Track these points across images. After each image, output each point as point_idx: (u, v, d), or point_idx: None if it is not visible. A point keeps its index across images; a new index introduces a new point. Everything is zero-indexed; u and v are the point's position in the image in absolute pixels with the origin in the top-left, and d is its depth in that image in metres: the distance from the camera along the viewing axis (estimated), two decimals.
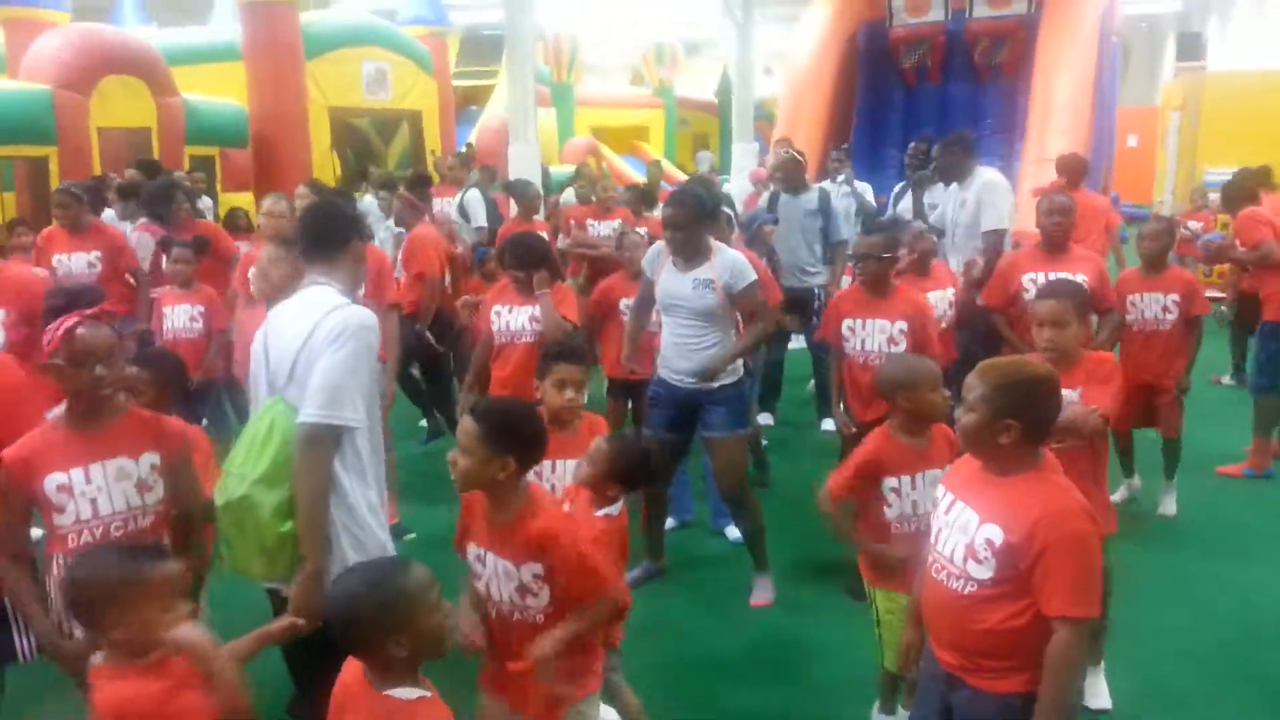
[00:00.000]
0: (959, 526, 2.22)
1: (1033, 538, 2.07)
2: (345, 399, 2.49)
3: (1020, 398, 2.17)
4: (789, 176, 6.92)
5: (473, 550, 2.50)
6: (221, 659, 2.01)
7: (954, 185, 5.82)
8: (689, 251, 4.19)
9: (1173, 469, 5.29)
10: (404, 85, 13.09)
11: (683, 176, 16.55)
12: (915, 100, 12.42)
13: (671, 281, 4.26)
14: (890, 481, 3.07)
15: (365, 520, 2.59)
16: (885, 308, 4.32)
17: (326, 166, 12.03)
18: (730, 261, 4.19)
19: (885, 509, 3.09)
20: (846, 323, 4.38)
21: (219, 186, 10.42)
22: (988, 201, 5.54)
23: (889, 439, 3.11)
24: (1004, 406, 2.15)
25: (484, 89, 18.22)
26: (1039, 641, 2.09)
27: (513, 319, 4.54)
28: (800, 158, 7.10)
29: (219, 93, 11.20)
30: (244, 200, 10.38)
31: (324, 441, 2.47)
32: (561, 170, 13.85)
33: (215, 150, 10.88)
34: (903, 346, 4.22)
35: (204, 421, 5.55)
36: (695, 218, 4.16)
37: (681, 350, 4.24)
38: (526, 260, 4.49)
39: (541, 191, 9.08)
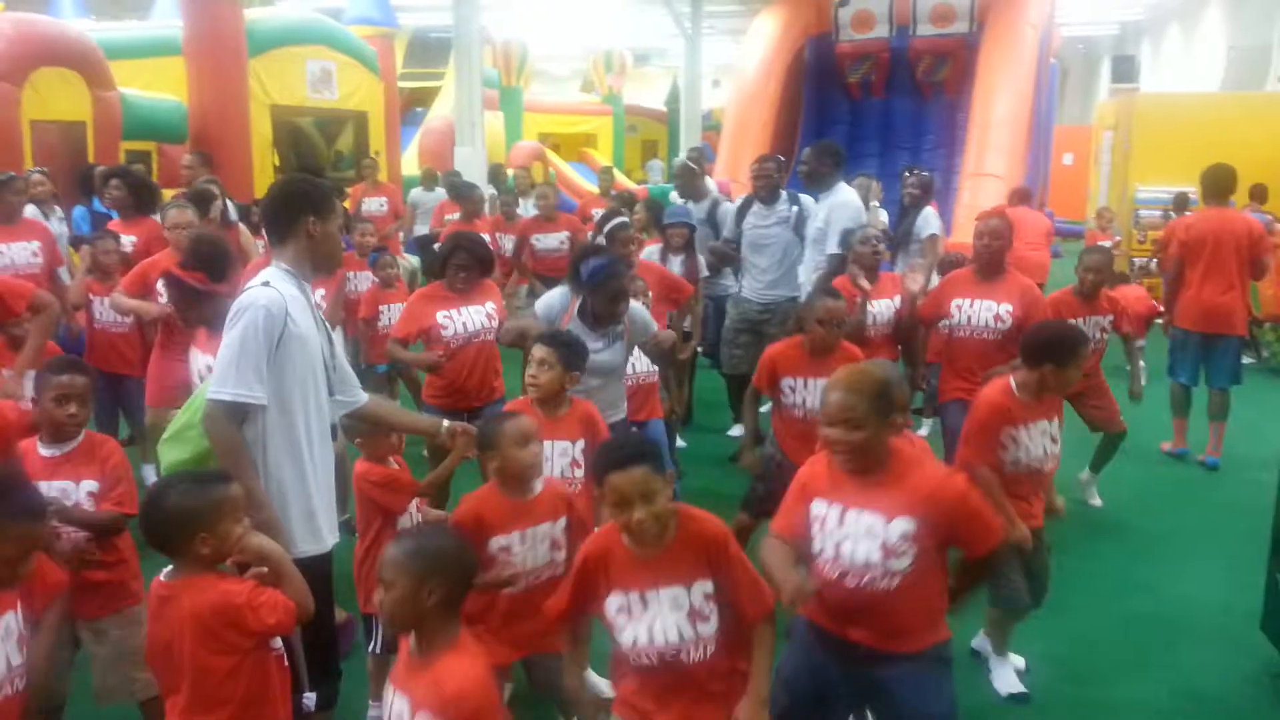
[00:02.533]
0: (864, 532, 2.45)
1: (937, 512, 2.43)
2: (234, 376, 2.59)
3: (889, 401, 2.52)
4: (685, 185, 7.06)
5: (617, 601, 2.38)
6: (290, 561, 2.41)
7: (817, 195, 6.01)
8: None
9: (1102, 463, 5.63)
10: (350, 85, 12.94)
11: (631, 184, 16.61)
12: (860, 114, 12.64)
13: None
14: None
15: (286, 498, 2.70)
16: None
17: (267, 165, 11.84)
18: (635, 315, 4.16)
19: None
20: (787, 381, 4.20)
21: (156, 181, 10.17)
22: (835, 221, 5.70)
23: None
24: (881, 411, 2.46)
25: (430, 91, 18.07)
26: (941, 589, 2.55)
27: (468, 319, 4.53)
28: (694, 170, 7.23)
29: (158, 88, 10.95)
30: None
31: (218, 416, 2.61)
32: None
33: (152, 146, 10.64)
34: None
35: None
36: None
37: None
38: (480, 261, 4.57)
39: (484, 195, 9.06)
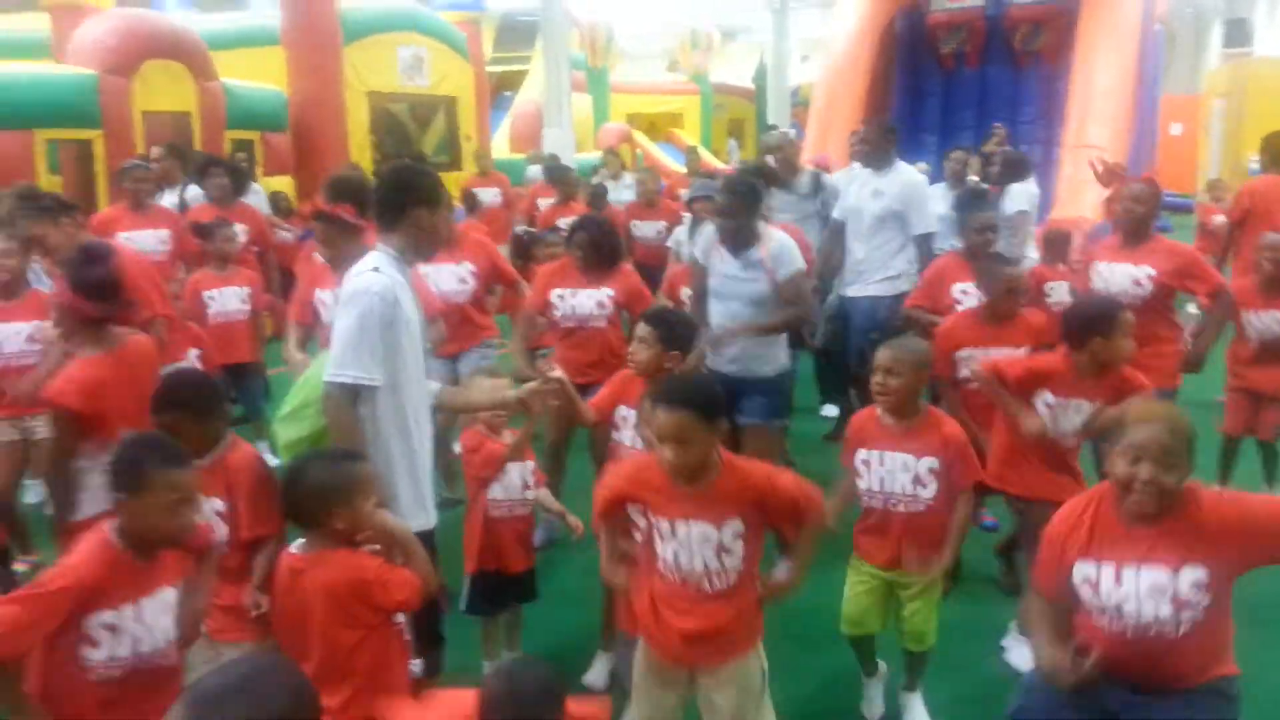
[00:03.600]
0: (1148, 590, 2.33)
1: (1242, 549, 2.33)
2: (352, 359, 2.68)
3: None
4: (785, 161, 6.88)
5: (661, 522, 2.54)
6: (416, 540, 2.52)
7: (863, 171, 5.72)
8: (739, 238, 4.23)
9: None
10: (440, 71, 13.14)
11: (719, 164, 16.51)
12: (953, 86, 12.32)
13: (721, 267, 4.31)
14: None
15: (395, 476, 2.78)
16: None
17: (364, 151, 12.13)
18: (779, 247, 4.21)
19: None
20: (965, 352, 4.10)
21: (259, 171, 10.52)
22: (916, 202, 5.45)
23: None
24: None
25: (518, 74, 18.26)
26: (1228, 619, 2.44)
27: (578, 302, 4.61)
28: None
29: (258, 78, 11.31)
30: (284, 184, 10.49)
31: (337, 397, 2.71)
32: (592, 157, 13.83)
33: (256, 134, 10.99)
34: None
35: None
36: (747, 205, 4.21)
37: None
38: (599, 243, 4.60)
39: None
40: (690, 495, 2.49)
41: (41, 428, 4.09)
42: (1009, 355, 3.87)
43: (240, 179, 6.70)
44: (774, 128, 12.35)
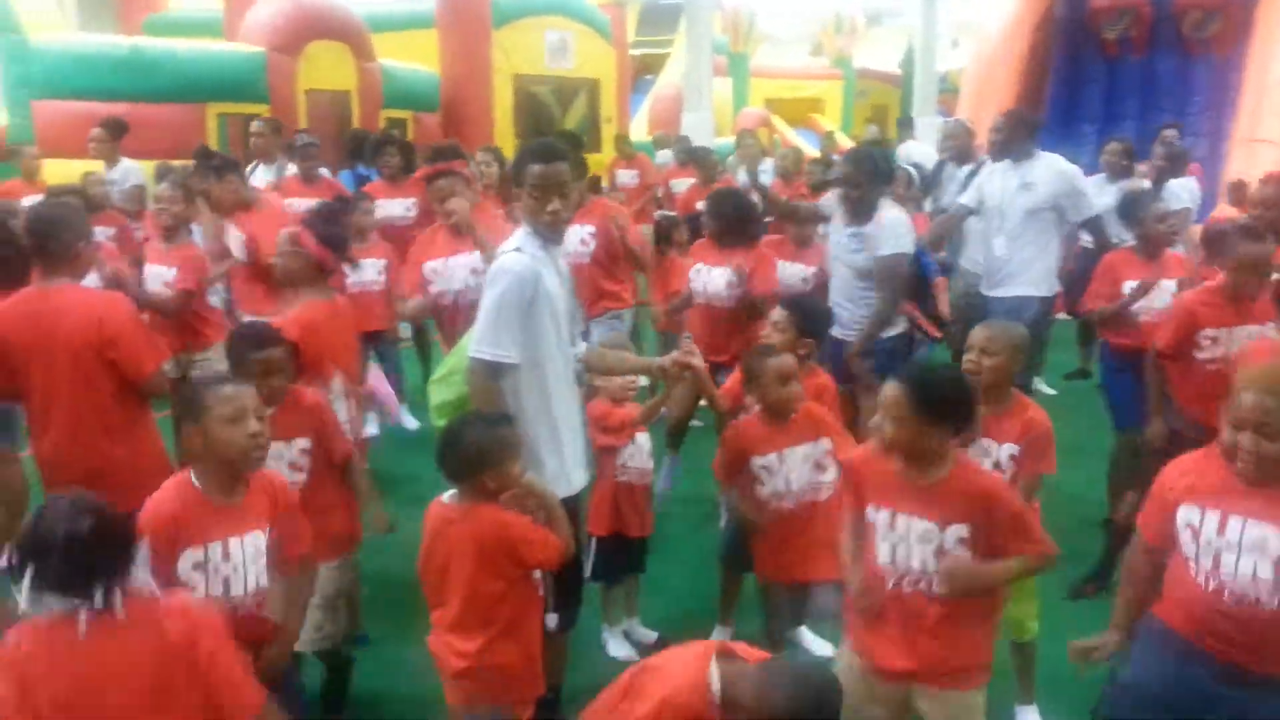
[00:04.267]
0: (1253, 545, 2.25)
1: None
2: (491, 337, 2.80)
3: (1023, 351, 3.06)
4: (960, 147, 6.67)
5: (871, 512, 2.50)
6: (559, 505, 2.67)
7: (1001, 163, 5.40)
8: (857, 208, 4.38)
9: None
10: (584, 54, 13.34)
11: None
12: (1117, 74, 11.71)
13: (836, 235, 4.52)
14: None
15: (537, 446, 2.88)
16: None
17: (508, 131, 12.44)
18: (885, 225, 4.29)
19: None
20: (1207, 333, 3.82)
21: None
22: (1073, 189, 5.14)
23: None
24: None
25: (659, 58, 18.33)
26: None
27: (710, 279, 4.67)
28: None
29: (413, 59, 11.73)
30: None
31: (478, 371, 2.83)
32: (728, 142, 13.78)
33: (408, 114, 11.41)
34: None
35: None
36: (867, 176, 4.32)
37: (840, 304, 4.45)
38: (729, 219, 4.67)
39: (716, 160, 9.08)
40: (916, 489, 2.42)
41: (199, 366, 4.52)
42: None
43: (410, 157, 6.95)
44: (909, 118, 12.07)
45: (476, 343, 2.83)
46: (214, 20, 12.04)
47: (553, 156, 2.88)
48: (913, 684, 2.47)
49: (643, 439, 3.56)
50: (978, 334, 3.01)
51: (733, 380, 3.54)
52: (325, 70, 10.09)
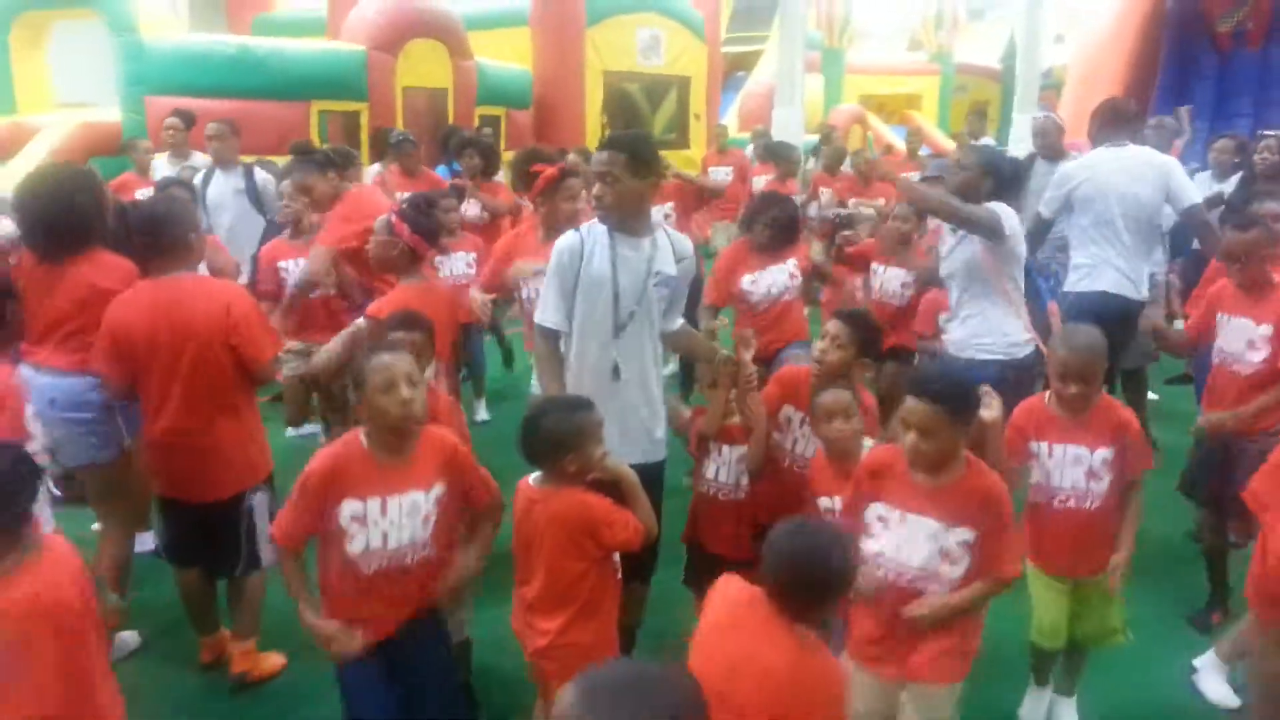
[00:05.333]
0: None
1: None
2: (541, 304, 3.13)
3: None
4: (1048, 144, 6.39)
5: (879, 510, 2.57)
6: (639, 486, 2.74)
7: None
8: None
9: None
10: (675, 51, 13.34)
11: (953, 146, 15.81)
12: (1230, 69, 11.21)
13: (946, 232, 4.25)
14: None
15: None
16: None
17: (597, 128, 12.53)
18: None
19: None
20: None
21: (503, 145, 11.10)
22: (1170, 178, 4.77)
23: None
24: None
25: (752, 55, 18.22)
26: None
27: (771, 280, 4.62)
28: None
29: (506, 57, 11.91)
30: None
31: (537, 335, 3.18)
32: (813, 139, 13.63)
33: (502, 111, 11.59)
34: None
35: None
36: (978, 174, 4.06)
37: (962, 324, 4.11)
38: (782, 221, 4.62)
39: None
40: (927, 490, 2.50)
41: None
42: None
43: (491, 159, 7.09)
44: (981, 113, 11.68)
45: (538, 308, 3.17)
46: (318, 20, 12.42)
47: (604, 146, 3.07)
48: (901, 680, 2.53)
49: (731, 451, 3.31)
50: (1069, 363, 2.88)
51: (768, 391, 3.33)
52: (423, 68, 10.31)
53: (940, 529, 2.47)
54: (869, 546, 2.57)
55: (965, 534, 2.46)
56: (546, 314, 3.12)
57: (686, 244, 3.24)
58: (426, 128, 10.13)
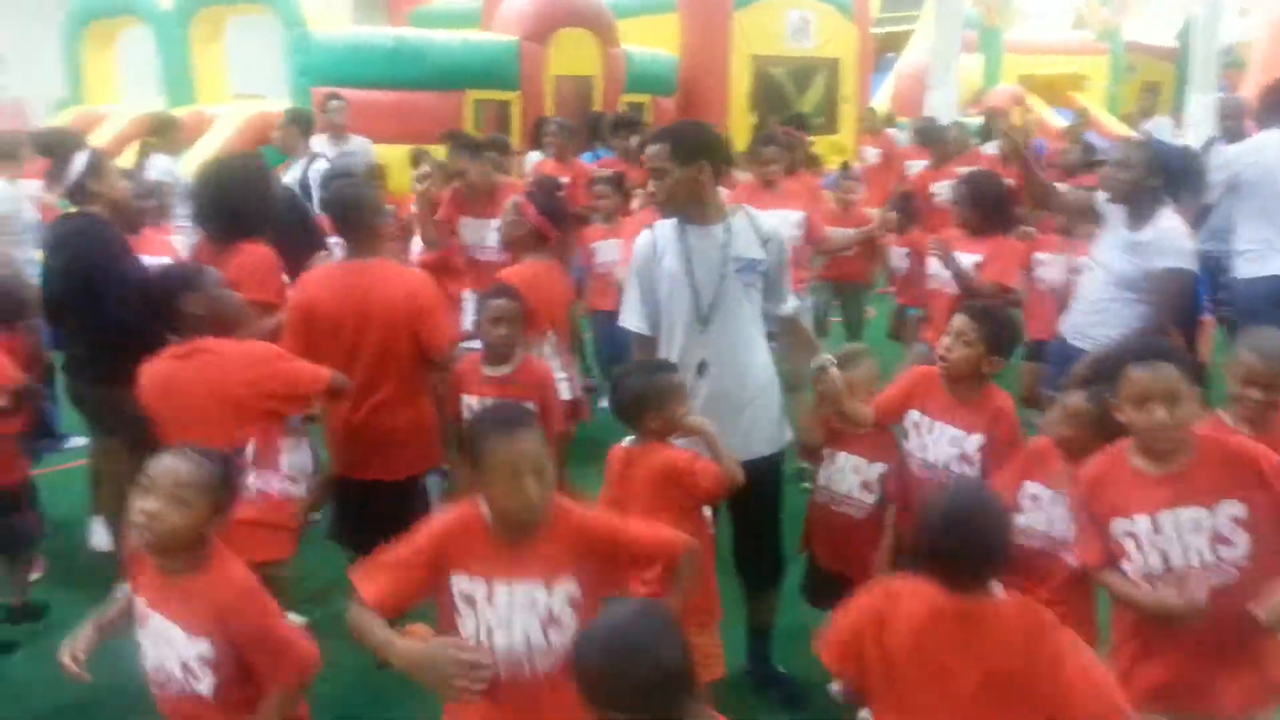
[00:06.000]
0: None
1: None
2: (623, 306, 3.15)
3: None
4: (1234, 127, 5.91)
5: (1138, 525, 2.31)
6: (720, 439, 2.81)
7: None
8: (1137, 211, 3.79)
9: None
10: (825, 33, 13.05)
11: (1123, 130, 14.94)
12: None
13: (1103, 232, 3.97)
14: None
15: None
16: None
17: (743, 113, 12.39)
18: (1165, 232, 3.71)
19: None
20: None
21: None
22: None
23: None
24: None
25: (903, 35, 17.65)
26: None
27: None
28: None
29: (653, 43, 11.91)
30: None
31: (633, 340, 3.18)
32: (978, 121, 13.05)
33: (647, 98, 11.60)
34: None
35: None
36: (1162, 175, 3.75)
37: (1090, 314, 3.88)
38: (981, 203, 4.43)
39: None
40: (1165, 479, 2.28)
41: None
42: None
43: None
44: (1153, 89, 10.87)
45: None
46: (473, 11, 12.72)
47: (649, 139, 3.08)
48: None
49: (846, 460, 3.16)
50: (1255, 367, 2.57)
51: (891, 392, 3.13)
52: (572, 56, 10.43)
53: (1205, 514, 2.24)
54: (1140, 567, 2.27)
55: (1234, 509, 2.23)
56: (628, 317, 3.14)
57: (769, 223, 3.13)
58: (574, 115, 10.24)
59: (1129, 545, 2.30)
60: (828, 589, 2.98)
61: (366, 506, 3.44)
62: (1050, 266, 4.92)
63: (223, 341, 3.05)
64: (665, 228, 3.07)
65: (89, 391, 3.87)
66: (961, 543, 1.94)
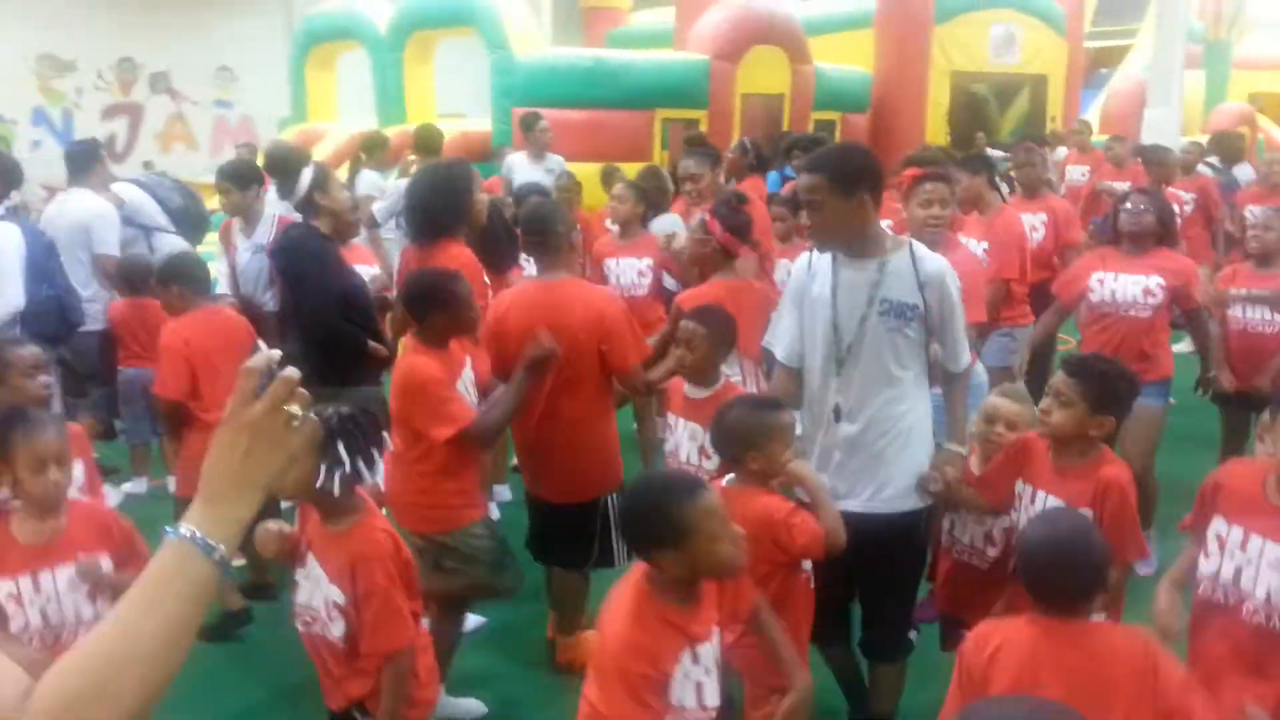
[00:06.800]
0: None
1: None
2: (772, 327, 3.09)
3: None
4: None
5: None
6: (826, 493, 2.64)
7: None
8: None
9: None
10: (1032, 48, 12.45)
11: None
12: None
13: None
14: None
15: (805, 442, 2.91)
16: None
17: (940, 131, 11.97)
18: None
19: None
20: None
21: None
22: None
23: None
24: None
25: (1118, 50, 16.60)
26: None
27: (1120, 287, 4.18)
28: None
29: (847, 60, 11.69)
30: None
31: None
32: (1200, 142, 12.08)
33: (837, 115, 11.41)
34: None
35: None
36: None
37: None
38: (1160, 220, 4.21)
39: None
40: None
41: None
42: None
43: None
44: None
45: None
46: (667, 31, 12.91)
47: (804, 168, 2.83)
48: None
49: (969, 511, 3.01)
50: None
51: (995, 466, 2.88)
52: (761, 74, 10.38)
53: None
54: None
55: None
56: (774, 341, 2.99)
57: (936, 265, 2.78)
58: (762, 133, 10.18)
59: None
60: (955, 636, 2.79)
61: (552, 523, 3.48)
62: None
63: (404, 359, 3.23)
64: (817, 254, 2.90)
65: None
66: (1060, 571, 2.00)
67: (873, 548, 2.66)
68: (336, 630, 2.41)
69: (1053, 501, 2.65)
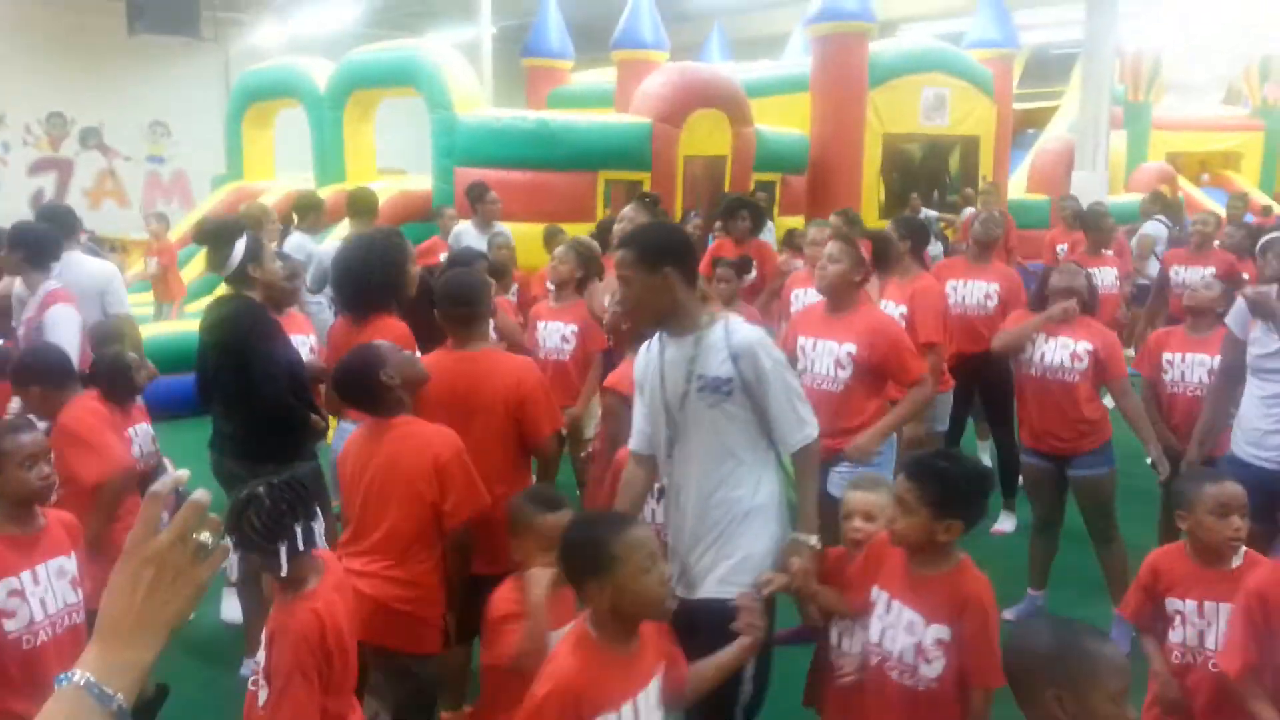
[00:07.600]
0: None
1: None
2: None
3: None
4: None
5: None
6: (538, 611, 2.63)
7: None
8: None
9: None
10: (962, 110, 12.81)
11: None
12: None
13: (1257, 333, 3.73)
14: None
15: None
16: None
17: (874, 192, 12.22)
18: None
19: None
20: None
21: (776, 210, 11.05)
22: None
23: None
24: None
25: (1044, 111, 17.20)
26: None
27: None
28: None
29: (785, 123, 11.91)
30: (797, 223, 10.90)
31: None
32: (1125, 200, 12.50)
33: (777, 176, 11.57)
34: None
35: None
36: None
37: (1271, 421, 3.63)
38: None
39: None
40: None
41: None
42: None
43: (759, 219, 7.40)
44: None
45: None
46: (609, 90, 13.03)
47: (620, 245, 2.84)
48: None
49: (902, 613, 2.69)
50: None
51: (862, 558, 2.72)
52: (704, 137, 10.49)
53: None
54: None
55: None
56: (632, 434, 2.90)
57: (746, 336, 2.69)
58: (704, 195, 10.27)
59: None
60: None
61: (477, 599, 3.39)
62: None
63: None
64: (659, 337, 2.81)
65: (238, 467, 3.97)
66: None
67: (695, 639, 2.42)
68: (261, 697, 2.40)
69: (908, 614, 2.47)
